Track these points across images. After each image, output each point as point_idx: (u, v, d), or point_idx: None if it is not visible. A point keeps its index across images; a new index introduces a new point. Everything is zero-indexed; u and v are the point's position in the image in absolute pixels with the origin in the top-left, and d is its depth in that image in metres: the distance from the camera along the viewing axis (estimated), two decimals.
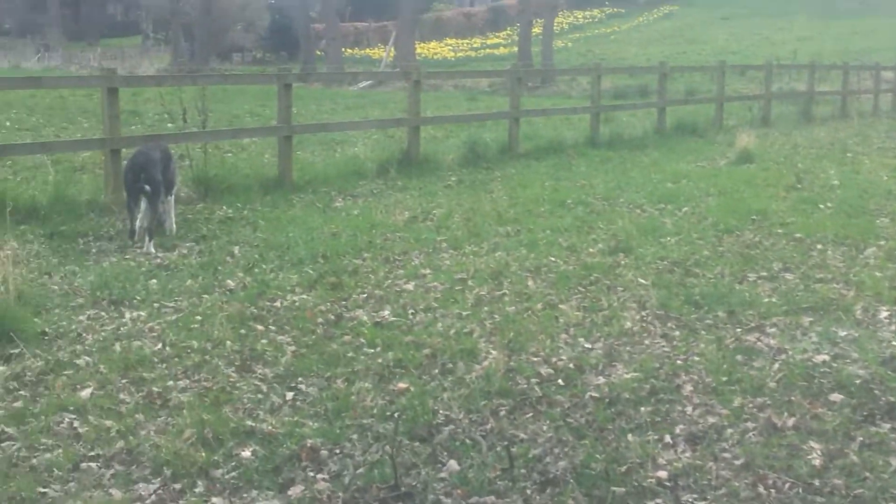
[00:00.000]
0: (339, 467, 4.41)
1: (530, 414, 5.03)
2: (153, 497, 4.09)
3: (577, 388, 5.35)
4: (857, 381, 5.37)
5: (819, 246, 8.73)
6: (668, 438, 4.72)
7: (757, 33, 50.84)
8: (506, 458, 4.45)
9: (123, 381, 5.33)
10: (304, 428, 4.79)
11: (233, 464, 4.40)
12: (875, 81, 28.95)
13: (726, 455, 4.55)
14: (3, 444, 4.50)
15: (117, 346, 5.84)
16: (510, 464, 4.41)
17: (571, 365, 5.70)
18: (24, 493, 4.05)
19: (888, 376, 5.42)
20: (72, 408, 4.92)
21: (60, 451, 4.45)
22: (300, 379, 5.46)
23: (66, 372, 5.41)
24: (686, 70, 28.90)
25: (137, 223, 8.72)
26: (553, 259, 8.18)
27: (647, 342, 6.14)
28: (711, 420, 4.94)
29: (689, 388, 5.36)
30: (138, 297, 6.90)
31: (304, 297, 7.04)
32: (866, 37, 48.41)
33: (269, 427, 4.77)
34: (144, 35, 57.91)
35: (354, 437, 4.72)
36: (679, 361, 5.76)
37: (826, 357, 5.77)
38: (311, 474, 4.34)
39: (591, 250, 8.51)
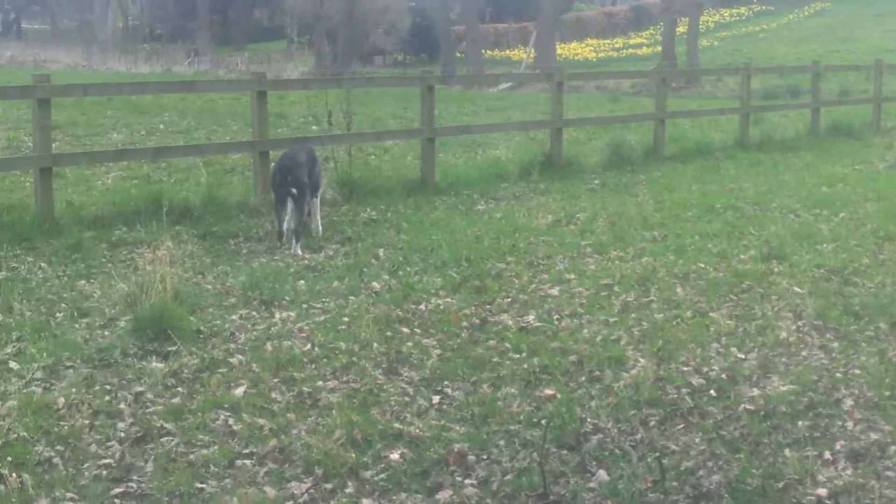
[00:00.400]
0: (486, 473, 4.39)
1: (681, 425, 4.90)
2: (305, 496, 4.15)
3: (730, 400, 5.19)
4: None
5: None
6: (827, 454, 4.54)
7: None
8: (657, 470, 4.34)
9: (275, 380, 5.43)
10: (451, 432, 4.78)
11: (382, 465, 4.43)
12: None
13: (890, 474, 4.35)
14: (162, 440, 4.64)
15: (269, 346, 5.97)
16: (662, 476, 4.30)
17: (724, 375, 5.54)
18: (183, 487, 4.17)
19: None
20: (226, 405, 5.04)
21: (216, 447, 4.56)
22: (446, 383, 5.46)
23: (220, 370, 5.55)
24: (840, 69, 27.81)
25: (285, 225, 8.88)
26: (702, 265, 7.97)
27: (803, 353, 5.91)
28: (874, 436, 4.72)
29: (849, 402, 5.13)
30: (287, 298, 7.04)
31: (449, 300, 7.05)
32: None
33: (417, 430, 4.78)
34: (289, 39, 59.30)
35: (501, 442, 4.69)
36: (838, 374, 5.53)
37: None
38: (459, 479, 4.33)
39: (742, 257, 8.26)
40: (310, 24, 52.30)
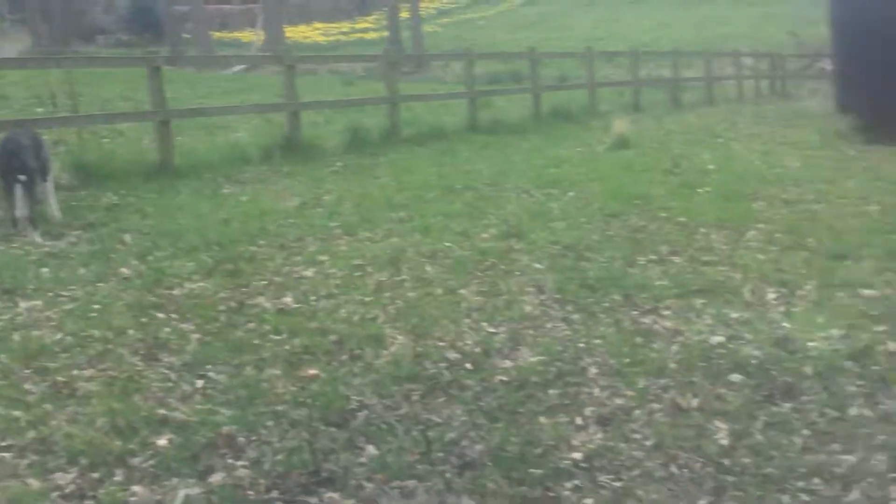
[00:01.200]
0: (257, 454, 4.39)
1: (442, 398, 5.07)
2: (72, 486, 4.01)
3: (485, 372, 5.40)
4: (754, 362, 5.48)
5: (702, 230, 8.90)
6: (578, 420, 4.78)
7: (620, 20, 51.96)
8: (423, 442, 4.50)
9: (27, 370, 5.19)
10: (218, 416, 4.74)
11: (150, 452, 4.33)
12: (736, 68, 30.05)
13: (636, 436, 4.62)
14: None
15: (16, 336, 5.69)
16: (427, 448, 4.45)
17: (478, 349, 5.76)
18: None
19: (782, 357, 5.56)
20: None
21: None
22: (208, 367, 5.39)
23: None
24: (555, 56, 29.27)
25: (17, 212, 8.44)
26: (448, 244, 8.25)
27: (548, 325, 6.23)
28: (619, 402, 5.02)
29: (593, 370, 5.45)
30: (31, 287, 6.71)
31: (203, 284, 6.95)
32: (723, 23, 50.03)
33: (182, 415, 4.71)
34: (0, 17, 55.51)
35: (270, 423, 4.70)
36: (581, 344, 5.85)
37: (721, 338, 5.90)
38: (231, 461, 4.31)
39: (483, 235, 8.61)
40: (22, 0, 49.17)
